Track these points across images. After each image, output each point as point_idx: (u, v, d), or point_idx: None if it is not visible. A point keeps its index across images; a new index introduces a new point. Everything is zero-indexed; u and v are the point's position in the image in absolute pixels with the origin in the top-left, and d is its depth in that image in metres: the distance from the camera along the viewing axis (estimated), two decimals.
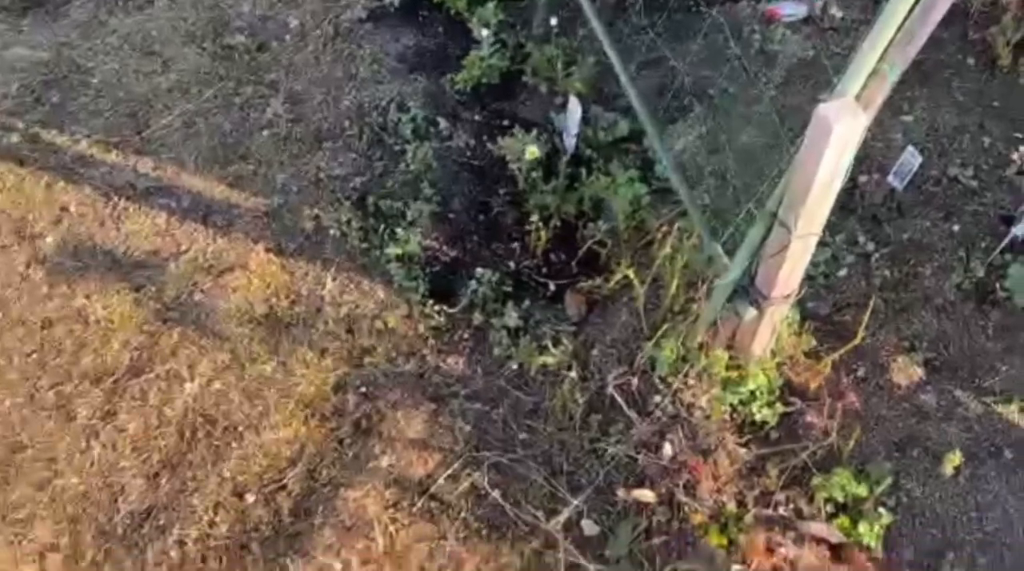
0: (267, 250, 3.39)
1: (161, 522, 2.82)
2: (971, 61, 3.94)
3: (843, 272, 3.24)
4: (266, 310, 3.23)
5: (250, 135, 3.74)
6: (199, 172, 3.61)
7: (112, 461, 2.93)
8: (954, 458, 2.71)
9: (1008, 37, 3.92)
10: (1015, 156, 3.58)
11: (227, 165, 3.64)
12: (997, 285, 3.16)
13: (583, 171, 3.50)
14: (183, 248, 3.39)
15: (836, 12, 4.01)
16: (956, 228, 3.34)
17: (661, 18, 3.95)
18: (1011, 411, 2.91)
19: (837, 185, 2.31)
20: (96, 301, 3.24)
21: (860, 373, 2.97)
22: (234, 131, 3.75)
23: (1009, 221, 3.30)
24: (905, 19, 2.02)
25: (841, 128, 2.13)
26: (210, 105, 3.83)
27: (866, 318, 2.80)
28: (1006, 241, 3.19)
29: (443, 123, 3.76)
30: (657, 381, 2.90)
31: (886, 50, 2.09)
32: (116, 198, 3.50)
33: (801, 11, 4.06)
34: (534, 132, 3.59)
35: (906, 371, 2.97)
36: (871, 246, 3.32)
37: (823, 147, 2.18)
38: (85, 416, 3.01)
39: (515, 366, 3.10)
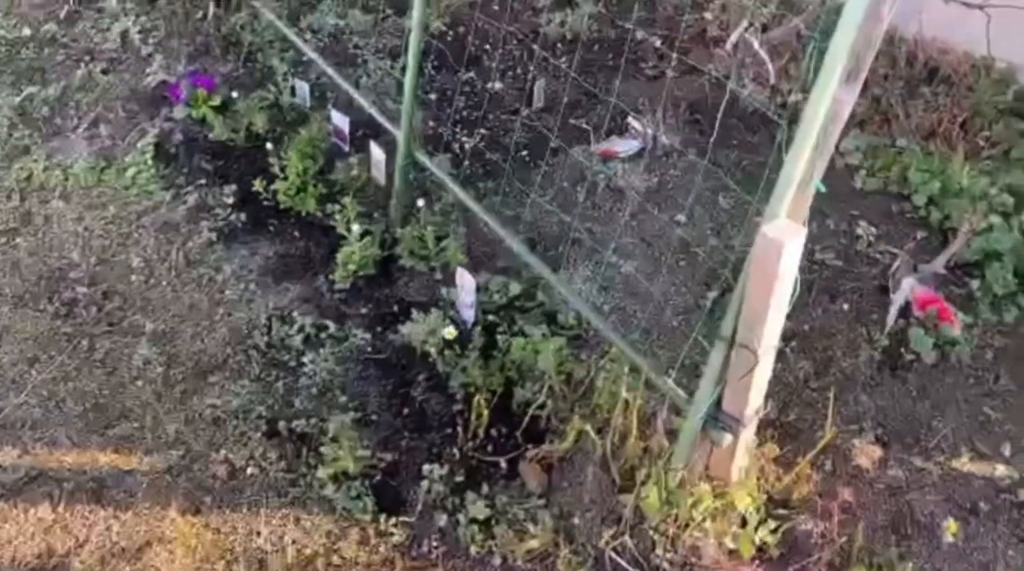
0: (182, 512, 2.99)
1: None
2: None
3: None
4: None
5: (123, 390, 3.36)
6: (77, 446, 3.18)
7: None
8: (951, 526, 2.79)
9: None
10: (859, 231, 3.95)
11: (107, 429, 3.23)
12: (902, 350, 3.38)
13: (491, 339, 3.44)
14: (82, 538, 2.92)
15: (665, 140, 4.32)
16: (846, 307, 3.57)
17: (500, 179, 4.05)
18: (963, 464, 3.07)
19: (788, 298, 2.40)
20: None
21: (828, 467, 3.03)
22: (103, 390, 3.36)
23: (885, 290, 3.59)
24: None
25: (791, 245, 2.23)
26: (67, 369, 3.42)
27: (830, 417, 2.88)
28: (894, 310, 3.44)
29: (332, 325, 3.58)
30: (651, 532, 2.79)
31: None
32: None
33: (634, 146, 4.34)
34: (433, 312, 3.51)
35: (866, 453, 3.06)
36: (779, 341, 3.46)
37: (776, 266, 2.26)
38: None
39: (499, 561, 2.88)
